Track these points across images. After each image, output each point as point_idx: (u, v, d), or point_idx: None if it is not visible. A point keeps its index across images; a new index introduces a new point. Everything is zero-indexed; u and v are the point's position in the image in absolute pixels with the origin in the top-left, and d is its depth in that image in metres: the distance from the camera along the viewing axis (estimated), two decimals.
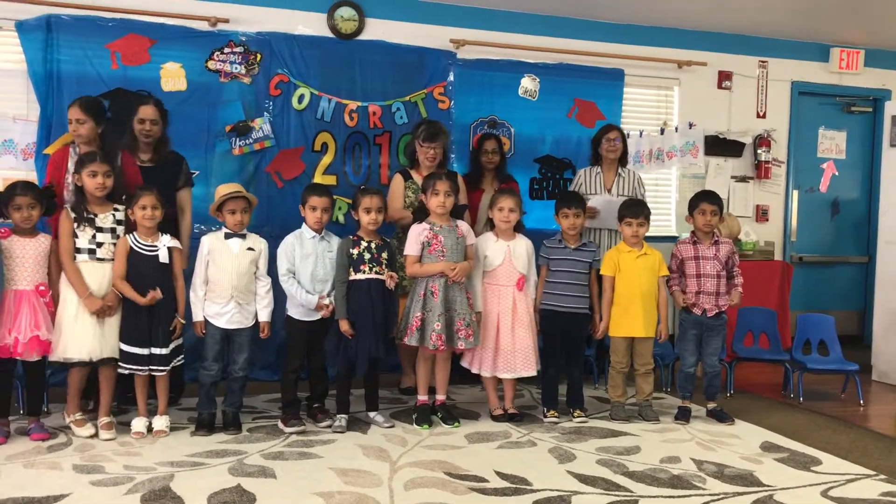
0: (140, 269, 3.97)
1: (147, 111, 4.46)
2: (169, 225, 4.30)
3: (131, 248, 3.98)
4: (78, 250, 3.91)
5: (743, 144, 6.78)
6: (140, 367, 3.97)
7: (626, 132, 5.59)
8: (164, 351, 3.99)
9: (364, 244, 4.21)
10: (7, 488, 3.21)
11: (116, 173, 4.07)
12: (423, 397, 4.39)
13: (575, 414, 4.50)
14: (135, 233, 4.02)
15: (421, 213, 4.38)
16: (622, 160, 5.36)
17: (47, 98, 4.97)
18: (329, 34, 5.65)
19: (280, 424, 4.15)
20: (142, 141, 4.47)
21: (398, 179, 4.99)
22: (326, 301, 4.18)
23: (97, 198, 3.95)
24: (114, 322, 3.95)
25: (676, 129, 6.47)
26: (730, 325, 4.97)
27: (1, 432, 3.82)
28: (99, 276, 3.92)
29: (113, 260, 3.95)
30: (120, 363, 3.96)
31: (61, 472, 3.43)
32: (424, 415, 4.31)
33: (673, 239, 6.27)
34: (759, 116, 6.88)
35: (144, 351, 3.96)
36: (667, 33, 6.50)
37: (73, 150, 4.30)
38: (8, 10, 4.94)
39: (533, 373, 4.40)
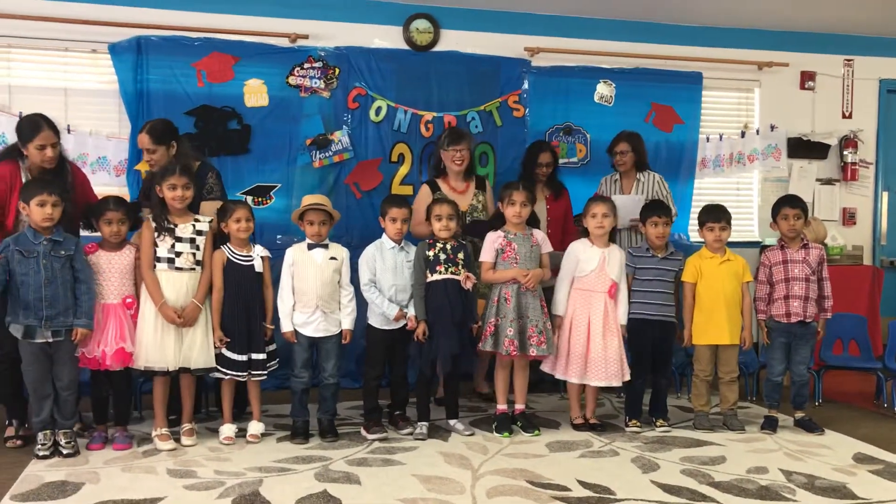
0: (236, 278, 4.10)
1: (140, 140, 4.40)
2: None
3: (228, 259, 4.12)
4: (158, 259, 3.98)
5: (828, 146, 6.56)
6: (239, 373, 4.10)
7: (643, 137, 5.38)
8: (262, 356, 4.11)
9: (439, 245, 4.25)
10: (111, 491, 3.36)
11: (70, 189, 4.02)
12: (502, 406, 4.38)
13: (658, 423, 4.43)
14: (229, 244, 4.15)
15: (498, 221, 4.40)
16: (639, 165, 5.26)
17: (138, 116, 5.17)
18: (405, 46, 5.74)
19: (363, 431, 4.21)
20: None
21: (424, 190, 4.95)
22: (406, 312, 4.24)
23: (177, 209, 4.04)
24: (195, 333, 4.00)
25: (757, 131, 6.33)
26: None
27: (100, 438, 3.98)
28: (177, 285, 3.98)
29: (192, 269, 4.02)
30: (219, 368, 4.07)
31: (156, 475, 3.56)
32: (504, 423, 4.31)
33: (755, 244, 6.14)
34: (844, 117, 6.67)
35: (243, 357, 4.08)
36: (746, 34, 6.36)
37: (21, 164, 4.05)
38: (101, 34, 5.16)
39: (620, 382, 4.33)
